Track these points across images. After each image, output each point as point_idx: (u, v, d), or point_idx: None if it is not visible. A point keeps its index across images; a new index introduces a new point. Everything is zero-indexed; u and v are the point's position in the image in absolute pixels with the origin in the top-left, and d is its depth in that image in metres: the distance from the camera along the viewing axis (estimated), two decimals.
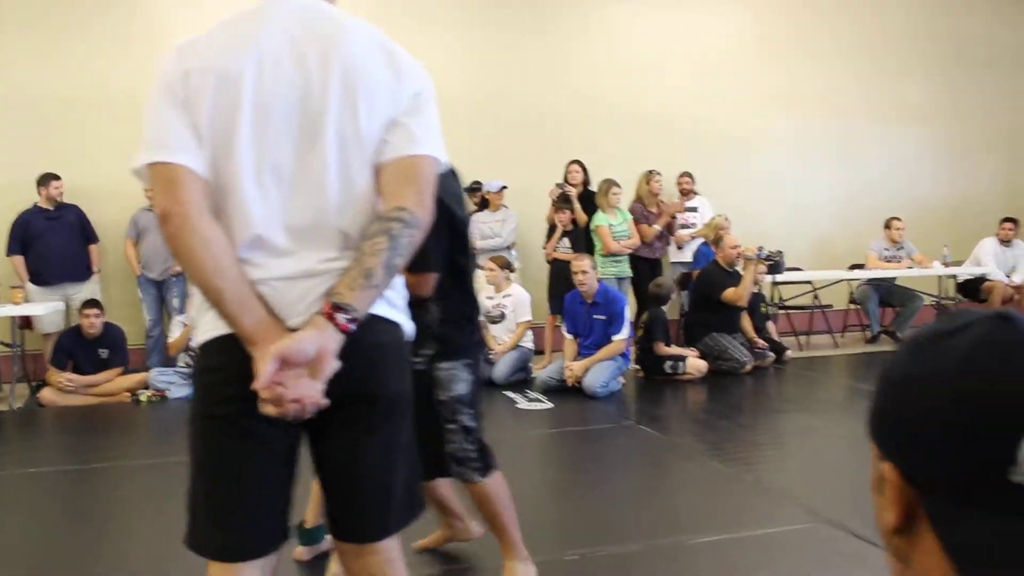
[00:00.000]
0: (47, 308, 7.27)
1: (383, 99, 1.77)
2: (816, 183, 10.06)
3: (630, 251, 8.01)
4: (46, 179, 7.56)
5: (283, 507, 1.83)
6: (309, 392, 1.60)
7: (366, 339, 1.68)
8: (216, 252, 1.67)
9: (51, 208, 7.63)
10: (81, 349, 7.05)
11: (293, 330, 1.67)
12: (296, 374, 1.60)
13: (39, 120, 7.97)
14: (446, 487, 3.20)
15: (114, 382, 7.00)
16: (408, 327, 1.87)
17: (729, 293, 7.44)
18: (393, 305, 1.81)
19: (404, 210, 1.70)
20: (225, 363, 1.72)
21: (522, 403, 6.40)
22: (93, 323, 6.99)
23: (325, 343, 1.60)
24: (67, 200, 7.69)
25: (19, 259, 7.56)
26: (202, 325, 1.78)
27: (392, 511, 1.84)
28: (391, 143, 1.77)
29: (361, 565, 1.86)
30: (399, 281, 1.84)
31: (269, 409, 1.60)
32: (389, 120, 1.77)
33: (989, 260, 9.41)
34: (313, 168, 1.74)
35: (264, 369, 1.57)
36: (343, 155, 1.74)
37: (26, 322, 7.53)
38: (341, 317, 1.61)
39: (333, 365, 1.62)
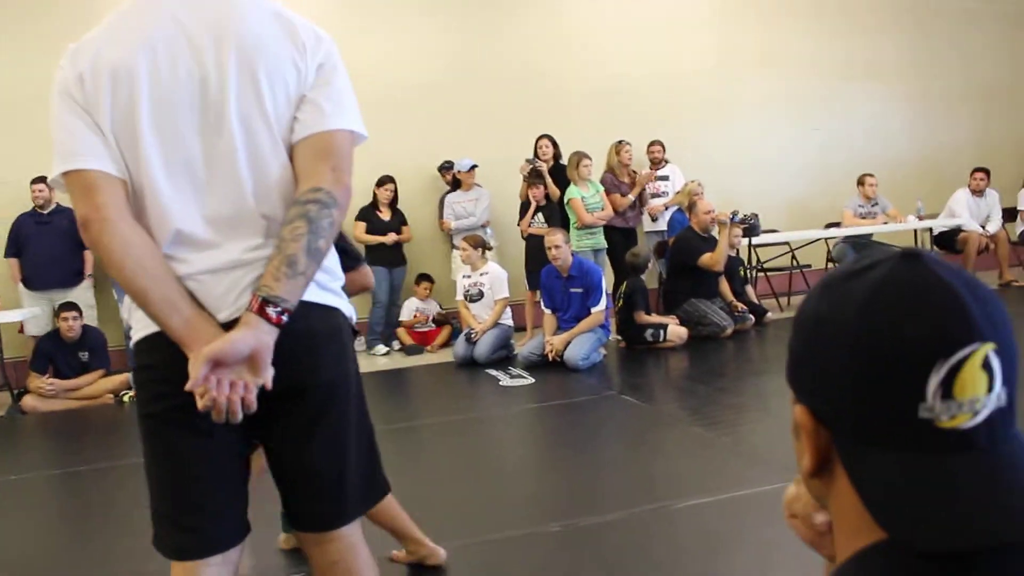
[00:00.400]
0: (22, 315, 7.23)
1: (286, 75, 1.71)
2: (788, 143, 10.06)
3: (604, 222, 8.01)
4: (33, 183, 7.54)
5: (237, 500, 1.81)
6: (239, 394, 1.59)
7: (298, 328, 1.65)
8: (138, 253, 1.64)
9: (43, 212, 7.61)
10: (61, 353, 7.01)
11: (225, 324, 1.65)
12: (233, 371, 1.58)
13: (38, 120, 7.92)
14: (389, 511, 2.94)
15: (96, 384, 6.96)
16: (347, 309, 1.84)
17: (706, 258, 7.45)
18: (325, 288, 1.78)
19: (320, 190, 1.66)
20: (158, 361, 1.70)
21: (505, 380, 6.41)
22: (71, 326, 6.95)
23: (259, 340, 1.58)
24: (64, 204, 7.62)
25: (12, 262, 7.60)
26: (135, 324, 1.76)
27: (348, 497, 1.83)
28: (302, 121, 1.72)
29: (322, 552, 1.85)
30: (333, 263, 1.81)
31: (199, 405, 1.59)
32: (297, 97, 1.72)
33: (963, 211, 9.45)
34: (222, 156, 1.69)
35: (195, 371, 1.56)
36: (251, 139, 1.69)
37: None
38: (272, 311, 1.59)
39: (270, 363, 1.60)
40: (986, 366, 0.72)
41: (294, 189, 1.71)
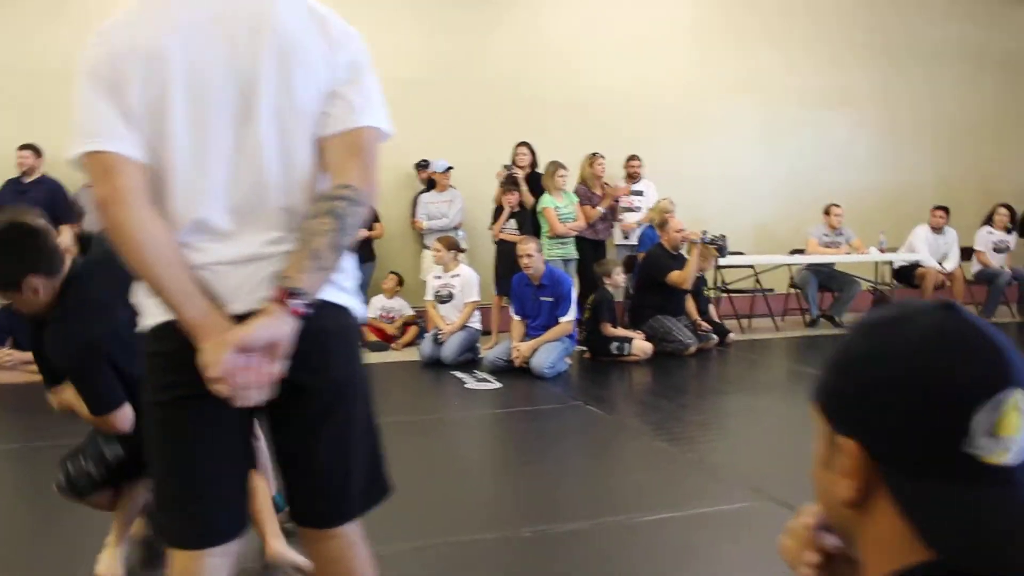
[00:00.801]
0: None
1: (318, 70, 1.71)
2: (759, 168, 10.22)
3: (576, 233, 8.08)
4: (19, 149, 7.46)
5: (242, 492, 1.81)
6: (260, 378, 1.60)
7: (310, 325, 1.64)
8: (156, 240, 1.64)
9: (24, 180, 7.49)
10: (21, 325, 6.90)
11: (238, 316, 1.65)
12: (250, 360, 1.58)
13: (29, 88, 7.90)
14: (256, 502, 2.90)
15: None
16: (358, 310, 1.84)
17: (674, 276, 7.55)
18: (340, 288, 1.78)
19: (349, 187, 1.66)
20: (170, 349, 1.68)
21: (470, 383, 6.44)
22: None
23: (280, 330, 1.59)
24: (50, 175, 7.56)
25: None
26: (147, 310, 1.74)
27: (350, 496, 1.83)
28: (331, 116, 1.72)
29: (320, 549, 1.86)
30: (348, 262, 1.81)
31: (222, 391, 1.59)
32: (327, 91, 1.72)
33: (922, 247, 9.67)
34: (250, 146, 1.68)
35: (220, 358, 1.56)
36: (281, 131, 1.69)
37: None
38: (294, 302, 1.59)
39: (288, 354, 1.61)
40: (1021, 409, 0.81)
41: (317, 184, 1.72)
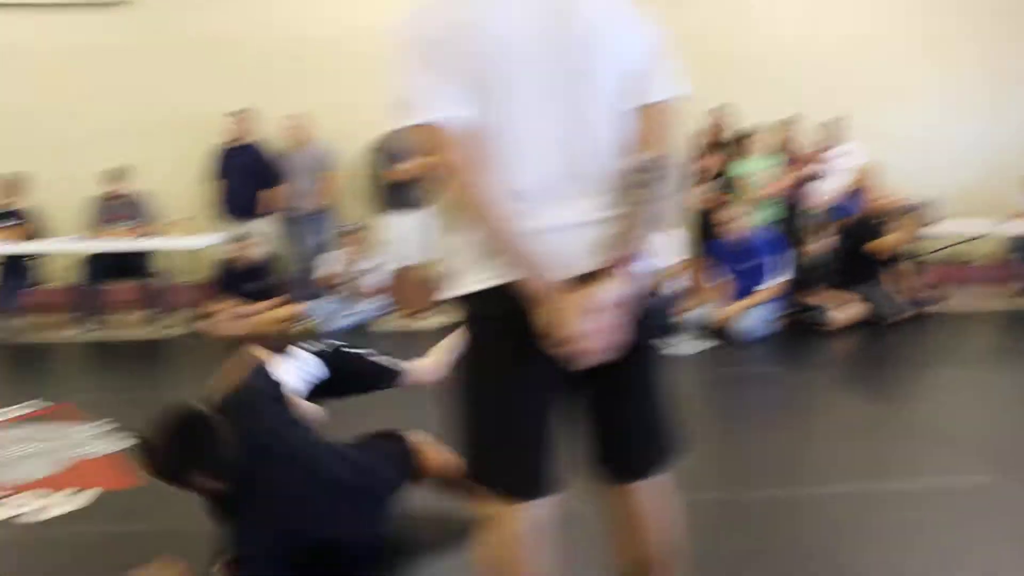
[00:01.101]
0: (191, 242, 7.64)
1: (625, 48, 1.83)
2: (967, 135, 9.71)
3: (773, 197, 7.91)
4: (228, 115, 7.85)
5: (555, 448, 1.90)
6: (607, 340, 1.71)
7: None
8: (498, 208, 1.72)
9: (232, 146, 7.89)
10: (236, 280, 7.27)
11: (577, 279, 1.73)
12: (596, 321, 1.70)
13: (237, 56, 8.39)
14: None
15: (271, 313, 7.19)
16: (643, 270, 1.87)
17: (875, 244, 7.31)
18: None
19: (660, 158, 1.79)
20: (503, 311, 1.77)
21: (669, 346, 6.39)
22: (243, 254, 7.21)
23: (624, 293, 1.71)
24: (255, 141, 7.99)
25: (215, 186, 7.92)
26: (474, 273, 1.81)
27: (659, 449, 1.96)
28: (637, 91, 1.83)
29: (630, 503, 1.97)
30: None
31: (567, 351, 1.69)
32: (632, 69, 1.83)
33: None
34: (575, 118, 1.78)
35: (568, 320, 1.68)
36: (599, 105, 1.79)
37: None
38: (630, 267, 1.72)
39: (632, 315, 1.73)
40: None
41: (626, 155, 1.81)
